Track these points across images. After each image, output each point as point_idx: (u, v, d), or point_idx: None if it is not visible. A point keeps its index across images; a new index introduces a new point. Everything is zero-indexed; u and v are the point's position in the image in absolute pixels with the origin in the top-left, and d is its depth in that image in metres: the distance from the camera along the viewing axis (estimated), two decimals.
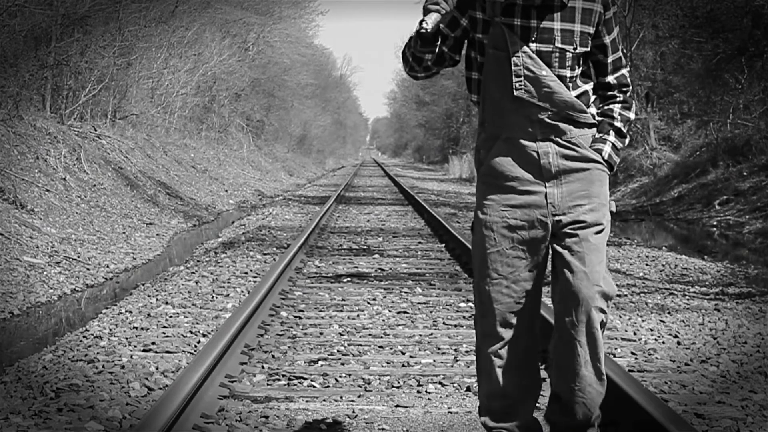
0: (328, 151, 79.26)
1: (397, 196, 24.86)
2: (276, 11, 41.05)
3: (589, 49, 3.20)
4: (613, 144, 3.23)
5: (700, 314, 6.92)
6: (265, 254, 10.71)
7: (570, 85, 3.16)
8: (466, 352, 5.65)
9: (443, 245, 11.66)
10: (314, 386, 4.86)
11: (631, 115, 3.30)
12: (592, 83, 3.26)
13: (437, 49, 3.25)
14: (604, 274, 3.15)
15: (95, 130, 20.76)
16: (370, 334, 6.17)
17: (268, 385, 4.89)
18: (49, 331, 7.69)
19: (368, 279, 8.76)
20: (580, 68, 3.20)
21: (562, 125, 3.15)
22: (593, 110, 3.24)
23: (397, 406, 4.51)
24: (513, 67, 3.12)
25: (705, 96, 24.29)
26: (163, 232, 15.61)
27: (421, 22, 3.16)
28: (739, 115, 23.96)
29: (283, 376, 5.04)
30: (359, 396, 4.68)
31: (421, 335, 6.13)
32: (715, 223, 18.22)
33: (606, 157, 3.21)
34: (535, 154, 3.16)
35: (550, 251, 3.22)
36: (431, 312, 6.97)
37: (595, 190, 3.19)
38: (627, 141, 3.28)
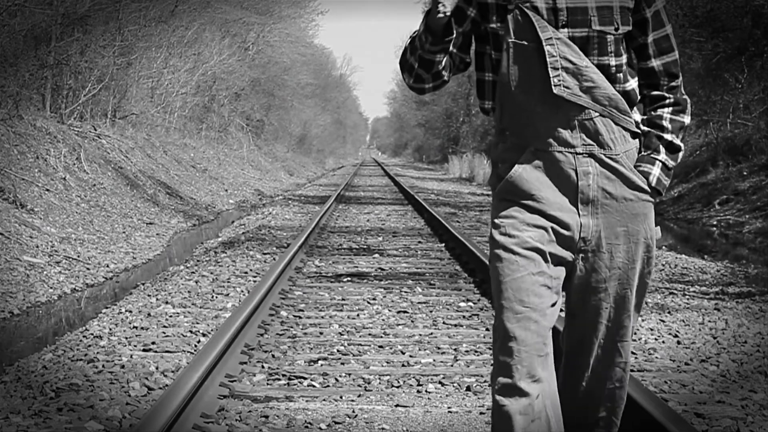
0: (328, 151, 79.25)
1: (396, 196, 24.86)
2: (276, 11, 41.04)
3: (631, 28, 2.56)
4: (663, 164, 2.60)
5: (700, 314, 6.92)
6: (265, 254, 10.71)
7: (617, 77, 2.55)
8: (466, 351, 5.65)
9: (443, 245, 11.66)
10: (314, 386, 4.86)
11: (686, 119, 2.65)
12: (637, 79, 2.63)
13: (449, 47, 2.60)
14: (629, 335, 2.65)
15: (95, 130, 20.76)
16: (370, 334, 6.17)
17: (268, 384, 4.89)
18: (49, 331, 7.69)
19: (368, 278, 8.76)
20: (625, 55, 2.58)
21: (605, 134, 2.53)
22: (637, 116, 2.62)
23: (397, 405, 4.51)
24: (548, 59, 2.48)
25: (705, 95, 24.28)
26: (163, 231, 15.61)
27: (435, 6, 2.52)
28: (739, 114, 23.97)
29: (283, 375, 5.04)
30: (359, 396, 4.68)
31: (421, 335, 6.13)
32: (714, 223, 18.22)
33: (654, 183, 2.58)
34: (572, 173, 2.53)
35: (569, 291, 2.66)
36: (431, 311, 6.97)
37: (633, 227, 2.58)
38: (681, 155, 2.63)
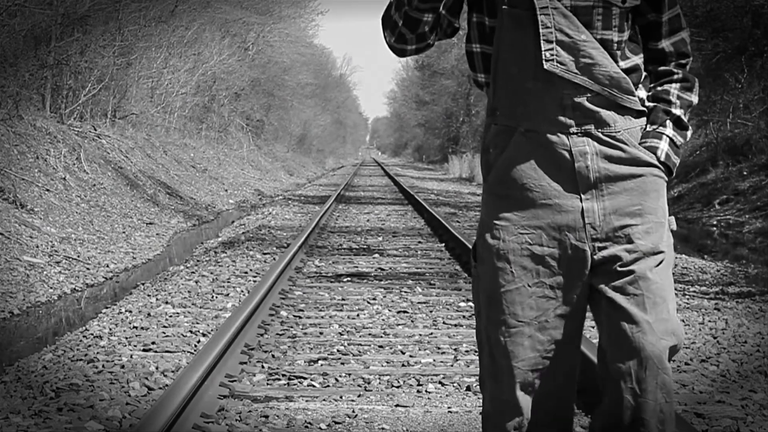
0: (328, 151, 79.26)
1: (396, 196, 24.86)
2: (276, 11, 41.04)
3: (638, 2, 2.31)
4: (671, 139, 2.33)
5: (700, 314, 6.92)
6: (265, 254, 10.71)
7: (618, 54, 2.29)
8: (466, 351, 5.65)
9: (443, 245, 11.66)
10: (314, 386, 4.86)
11: (694, 98, 2.39)
12: (642, 56, 2.37)
13: (440, 7, 2.32)
14: (674, 323, 2.28)
15: (95, 130, 20.76)
16: (370, 334, 6.17)
17: (267, 384, 4.89)
18: (49, 331, 7.69)
19: (368, 278, 8.76)
20: (628, 30, 2.32)
21: (604, 113, 2.25)
22: (642, 93, 2.36)
23: (397, 405, 4.51)
24: (541, 29, 2.22)
25: (705, 95, 24.28)
26: (163, 231, 15.61)
27: None
28: (739, 114, 23.97)
29: (283, 375, 5.04)
30: (359, 396, 4.68)
31: (421, 335, 6.13)
32: (714, 223, 18.23)
33: (663, 158, 2.31)
34: (566, 154, 2.26)
35: (591, 290, 2.31)
36: (431, 311, 6.97)
37: (649, 204, 2.29)
38: (689, 134, 2.37)
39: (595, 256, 2.26)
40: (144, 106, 25.88)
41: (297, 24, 47.12)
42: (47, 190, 14.64)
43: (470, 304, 7.29)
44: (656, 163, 2.31)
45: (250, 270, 9.27)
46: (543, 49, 2.23)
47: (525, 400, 2.30)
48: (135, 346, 5.73)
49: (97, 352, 5.51)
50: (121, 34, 22.28)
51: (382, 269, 9.42)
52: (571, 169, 2.26)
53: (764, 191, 18.98)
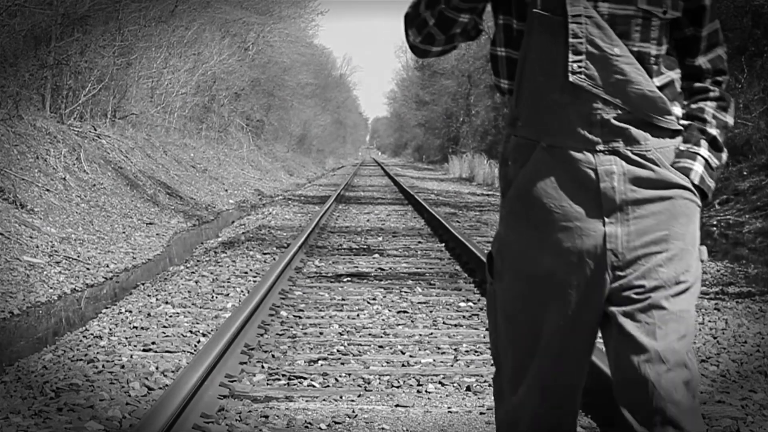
0: (328, 151, 79.27)
1: (396, 196, 24.86)
2: (276, 11, 41.05)
3: (679, 14, 2.13)
4: (706, 161, 2.14)
5: (700, 314, 6.92)
6: (265, 254, 10.71)
7: (654, 69, 2.10)
8: (466, 351, 5.65)
9: (443, 245, 11.66)
10: (314, 386, 4.86)
11: (730, 119, 2.25)
12: (678, 71, 2.18)
13: (480, 7, 2.14)
14: (687, 355, 2.07)
15: (95, 130, 20.76)
16: (370, 334, 6.18)
17: (268, 384, 4.89)
18: (49, 331, 7.69)
19: (368, 278, 8.76)
20: (666, 45, 2.13)
21: (634, 131, 2.07)
22: (678, 110, 2.16)
23: (397, 405, 4.51)
24: (570, 38, 2.04)
25: None
26: (163, 231, 15.61)
27: None
28: (739, 114, 23.96)
29: (283, 375, 5.04)
30: (359, 396, 4.68)
31: (421, 335, 6.13)
32: (714, 223, 18.24)
33: (697, 181, 2.13)
34: (591, 173, 2.07)
35: (603, 316, 2.15)
36: (431, 311, 6.97)
37: (677, 229, 2.10)
38: (725, 157, 2.19)
39: (612, 285, 2.09)
40: (144, 106, 25.88)
41: (297, 24, 47.14)
42: (47, 190, 14.64)
43: (470, 304, 7.29)
44: (689, 185, 2.12)
45: (250, 270, 9.27)
46: (570, 60, 2.05)
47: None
48: (135, 346, 5.74)
49: (97, 352, 5.51)
50: (121, 34, 22.28)
51: (382, 269, 9.42)
52: (596, 190, 2.08)
53: (764, 191, 18.99)
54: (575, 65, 2.05)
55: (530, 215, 2.12)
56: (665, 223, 2.09)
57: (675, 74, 2.16)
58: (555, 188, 2.10)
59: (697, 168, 2.13)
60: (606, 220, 2.08)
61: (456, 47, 2.23)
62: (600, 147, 2.07)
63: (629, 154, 2.07)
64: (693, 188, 2.13)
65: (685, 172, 2.12)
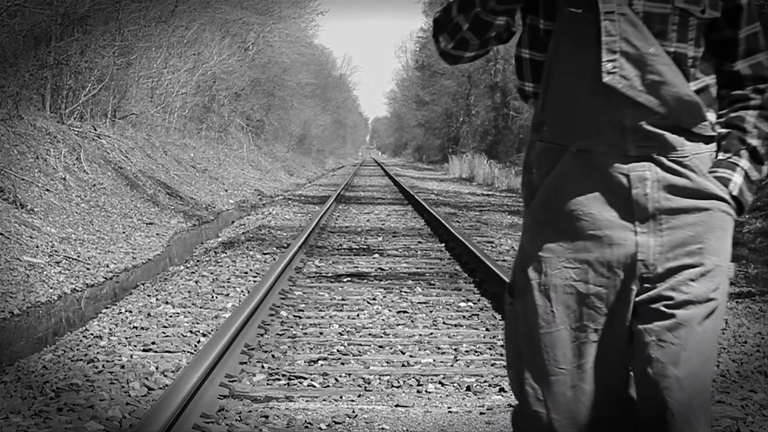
0: (328, 151, 79.26)
1: (396, 196, 24.86)
2: (276, 11, 41.05)
3: (718, 14, 2.02)
4: (746, 173, 2.03)
5: None
6: (265, 254, 10.71)
7: (691, 72, 1.98)
8: (466, 351, 5.65)
9: (443, 245, 11.66)
10: (314, 386, 4.86)
11: None
12: (713, 77, 2.06)
13: (517, 8, 2.04)
14: (708, 381, 2.03)
15: (95, 130, 20.76)
16: (370, 334, 6.18)
17: (268, 384, 4.89)
18: (49, 331, 7.69)
19: (368, 278, 8.76)
20: (703, 47, 2.02)
21: (669, 136, 1.96)
22: (712, 116, 2.05)
23: (397, 405, 4.51)
24: (604, 37, 1.93)
25: None
26: (163, 231, 15.61)
27: None
28: None
29: (283, 375, 5.04)
30: (359, 396, 4.68)
31: (421, 335, 6.13)
32: None
33: (735, 192, 2.01)
34: (623, 180, 1.97)
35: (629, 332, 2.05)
36: (431, 312, 6.97)
37: (712, 243, 1.99)
38: (765, 170, 2.07)
39: (639, 297, 1.98)
40: (144, 106, 25.88)
41: (297, 24, 47.14)
42: (47, 190, 14.64)
43: (470, 304, 7.29)
44: (726, 197, 2.00)
45: (250, 270, 9.27)
46: (604, 59, 1.93)
47: None
48: (135, 346, 5.74)
49: (97, 352, 5.51)
50: (121, 34, 22.28)
51: (382, 269, 9.42)
52: (627, 197, 1.96)
53: (764, 191, 18.99)
54: (609, 65, 1.93)
55: (557, 224, 2.00)
56: (701, 236, 1.97)
57: (710, 79, 2.05)
58: (584, 195, 1.98)
59: (737, 179, 2.02)
60: (637, 229, 1.97)
61: (488, 52, 2.13)
62: (633, 153, 1.96)
63: (664, 160, 1.96)
64: (730, 200, 2.01)
65: (724, 182, 2.00)
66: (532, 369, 2.01)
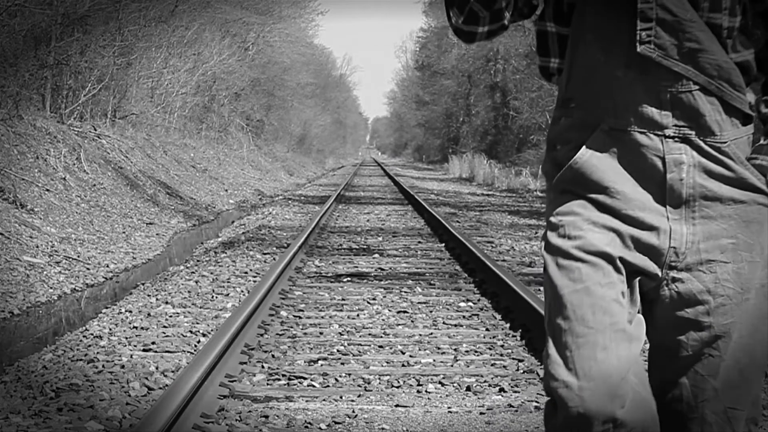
0: (328, 151, 79.29)
1: (396, 196, 24.87)
2: (276, 11, 41.06)
3: None
4: None
5: None
6: (265, 254, 10.71)
7: (728, 43, 1.85)
8: (466, 351, 5.65)
9: (443, 245, 11.66)
10: (314, 386, 4.86)
11: None
12: (753, 51, 1.90)
13: None
14: (752, 389, 1.86)
15: (95, 130, 20.77)
16: (370, 334, 6.18)
17: (268, 384, 4.89)
18: (49, 331, 7.69)
19: (368, 278, 8.76)
20: (740, 17, 1.86)
21: (709, 115, 1.82)
22: (750, 96, 1.91)
23: (397, 405, 4.51)
24: (639, 3, 1.79)
25: None
26: (163, 231, 15.61)
27: None
28: None
29: (283, 375, 5.04)
30: (359, 396, 4.68)
31: (421, 335, 6.13)
32: None
33: None
34: (658, 162, 1.84)
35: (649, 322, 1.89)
36: (431, 311, 6.97)
37: (747, 238, 1.86)
38: None
39: (665, 288, 1.85)
40: (144, 106, 25.88)
41: (297, 24, 47.16)
42: (47, 190, 14.64)
43: (470, 304, 7.30)
44: (765, 188, 1.86)
45: (250, 270, 9.27)
46: (639, 28, 1.79)
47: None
48: (135, 346, 5.74)
49: (97, 352, 5.51)
50: (121, 34, 22.29)
51: (382, 269, 9.42)
52: (662, 181, 1.84)
53: None
54: (644, 33, 1.80)
55: (585, 197, 1.86)
56: (734, 229, 1.85)
57: (749, 55, 1.89)
58: (616, 173, 1.85)
59: None
60: (669, 215, 1.84)
61: (506, 27, 1.97)
62: (669, 132, 1.83)
63: (702, 144, 1.83)
64: None
65: (763, 171, 1.87)
66: (559, 335, 1.80)
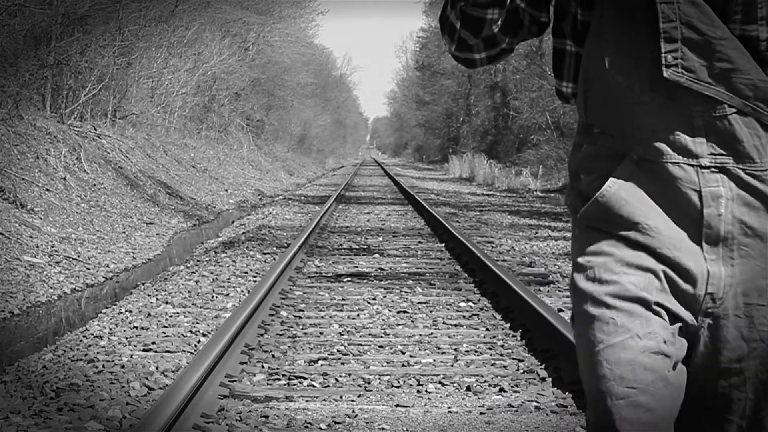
0: (328, 151, 79.28)
1: (397, 196, 24.86)
2: (276, 11, 41.07)
3: None
4: None
5: None
6: (265, 254, 10.71)
7: (764, 57, 1.64)
8: (466, 351, 5.65)
9: (443, 245, 11.66)
10: (314, 386, 4.86)
11: None
12: None
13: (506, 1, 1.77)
14: None
15: (95, 130, 20.76)
16: (370, 334, 6.18)
17: (268, 384, 4.89)
18: (49, 331, 7.69)
19: (368, 278, 8.76)
20: None
21: (747, 142, 1.64)
22: None
23: (397, 405, 4.51)
24: (662, 23, 1.62)
25: None
26: (163, 231, 15.61)
27: None
28: None
29: (283, 375, 5.04)
30: (359, 396, 4.68)
31: (421, 335, 6.13)
32: None
33: None
34: (694, 196, 1.64)
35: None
36: (431, 311, 6.97)
37: None
38: None
39: (703, 335, 1.67)
40: (144, 106, 25.89)
41: (297, 24, 47.16)
42: (47, 190, 14.64)
43: (470, 304, 7.29)
44: None
45: (250, 270, 9.27)
46: (664, 50, 1.62)
47: None
48: (135, 346, 5.74)
49: (97, 352, 5.51)
50: (121, 34, 22.29)
51: (382, 269, 9.42)
52: (698, 217, 1.64)
53: None
54: (670, 56, 1.62)
55: (615, 234, 1.67)
56: None
57: None
58: (647, 207, 1.66)
59: None
60: (706, 255, 1.64)
61: (511, 50, 1.85)
62: (705, 161, 1.63)
63: (741, 173, 1.64)
64: None
65: None
66: (599, 399, 1.62)
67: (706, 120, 1.63)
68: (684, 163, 1.64)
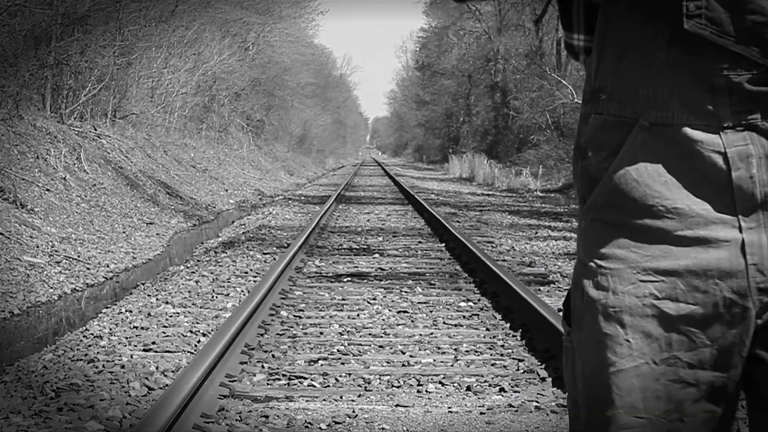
0: (328, 151, 79.29)
1: (397, 196, 24.86)
2: (276, 11, 41.07)
3: None
4: None
5: None
6: (265, 254, 10.71)
7: None
8: (466, 351, 5.65)
9: (443, 245, 11.66)
10: (314, 386, 4.86)
11: None
12: None
13: None
14: None
15: (95, 130, 20.77)
16: (370, 334, 6.18)
17: (268, 384, 4.89)
18: (49, 331, 7.69)
19: (368, 278, 8.76)
20: None
21: None
22: None
23: (397, 405, 4.51)
24: None
25: None
26: (163, 231, 15.61)
27: None
28: None
29: (283, 375, 5.04)
30: (359, 396, 4.68)
31: (421, 335, 6.13)
32: None
33: None
34: (719, 159, 1.41)
35: (749, 363, 1.44)
36: (431, 311, 6.97)
37: None
38: None
39: (761, 318, 1.41)
40: (144, 106, 25.89)
41: (297, 24, 47.18)
42: (47, 190, 14.64)
43: (470, 304, 7.29)
44: None
45: (251, 270, 9.27)
46: (685, 1, 1.39)
47: None
48: (135, 346, 5.74)
49: (97, 352, 5.51)
50: (121, 34, 22.29)
51: (383, 269, 9.42)
52: (726, 182, 1.41)
53: None
54: (692, 5, 1.39)
55: (628, 224, 1.45)
56: None
57: None
58: (665, 182, 1.43)
59: None
60: (743, 223, 1.41)
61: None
62: (728, 121, 1.41)
63: None
64: None
65: None
66: (599, 422, 1.44)
67: (729, 79, 1.41)
68: (704, 125, 1.42)
